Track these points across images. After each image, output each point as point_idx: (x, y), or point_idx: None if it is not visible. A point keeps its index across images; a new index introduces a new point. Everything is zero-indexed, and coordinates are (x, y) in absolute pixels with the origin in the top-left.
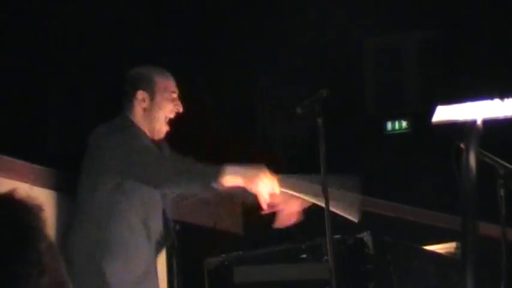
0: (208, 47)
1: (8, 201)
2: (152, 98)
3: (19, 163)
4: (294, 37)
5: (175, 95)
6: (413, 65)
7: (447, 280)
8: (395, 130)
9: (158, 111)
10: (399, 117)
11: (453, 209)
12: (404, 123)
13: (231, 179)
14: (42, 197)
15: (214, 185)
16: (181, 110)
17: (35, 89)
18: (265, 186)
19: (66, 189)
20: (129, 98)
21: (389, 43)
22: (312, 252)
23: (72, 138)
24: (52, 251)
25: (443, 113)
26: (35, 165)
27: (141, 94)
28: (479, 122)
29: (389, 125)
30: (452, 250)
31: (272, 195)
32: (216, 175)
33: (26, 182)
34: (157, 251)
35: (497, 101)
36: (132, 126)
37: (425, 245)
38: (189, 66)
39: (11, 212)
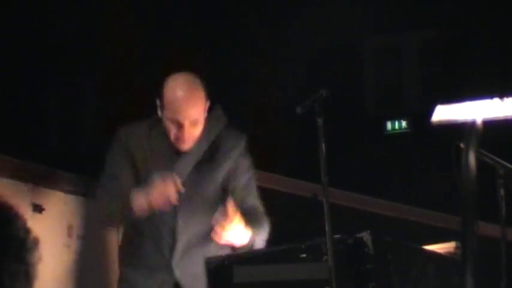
0: (206, 47)
1: None
2: (161, 111)
3: (19, 163)
4: (293, 37)
5: (179, 123)
6: (413, 65)
7: (447, 280)
8: (395, 130)
9: (164, 127)
10: (399, 117)
11: (453, 209)
12: (404, 123)
13: (139, 207)
14: (42, 197)
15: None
16: (184, 137)
17: (35, 88)
18: (161, 194)
19: (67, 189)
20: None
21: (389, 43)
22: (311, 252)
23: (72, 138)
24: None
25: (443, 113)
26: (35, 165)
27: (156, 102)
28: (479, 121)
29: (389, 125)
30: (452, 250)
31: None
32: (125, 208)
33: (26, 182)
34: None
35: (497, 100)
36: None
37: (425, 245)
38: (188, 67)
39: None
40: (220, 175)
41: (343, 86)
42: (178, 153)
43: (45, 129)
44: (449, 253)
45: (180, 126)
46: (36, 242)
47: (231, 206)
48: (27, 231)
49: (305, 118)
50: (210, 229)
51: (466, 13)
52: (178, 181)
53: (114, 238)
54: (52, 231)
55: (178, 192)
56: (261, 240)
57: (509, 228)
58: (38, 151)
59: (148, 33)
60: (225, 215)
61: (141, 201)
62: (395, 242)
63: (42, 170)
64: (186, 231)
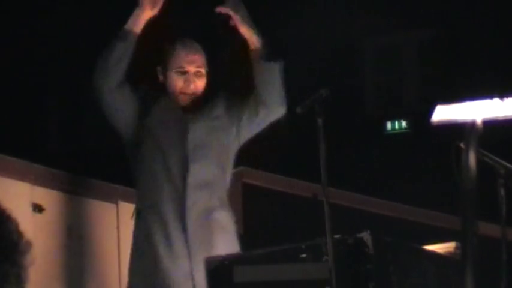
0: (206, 47)
1: None
2: (164, 73)
3: (19, 163)
4: (293, 37)
5: (184, 70)
6: (413, 65)
7: (447, 280)
8: (395, 130)
9: (169, 86)
10: (399, 117)
11: (453, 209)
12: (404, 123)
13: (136, 17)
14: (42, 197)
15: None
16: (189, 89)
17: (35, 89)
18: None
19: (67, 189)
20: None
21: (389, 43)
22: (312, 252)
23: (72, 138)
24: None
25: (443, 113)
26: (35, 165)
27: (158, 69)
28: (479, 121)
29: (389, 125)
30: (452, 250)
31: None
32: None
33: (26, 182)
34: None
35: (497, 100)
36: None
37: (425, 245)
38: None
39: None
40: (218, 109)
41: (343, 86)
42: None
43: (45, 129)
44: (449, 253)
45: (184, 73)
46: (29, 245)
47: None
48: (20, 234)
49: (305, 118)
50: (218, 175)
51: (466, 13)
52: None
53: (114, 238)
54: (52, 231)
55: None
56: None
57: (509, 228)
58: (38, 151)
59: (149, 32)
60: None
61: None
62: (395, 242)
63: (42, 170)
64: (197, 165)
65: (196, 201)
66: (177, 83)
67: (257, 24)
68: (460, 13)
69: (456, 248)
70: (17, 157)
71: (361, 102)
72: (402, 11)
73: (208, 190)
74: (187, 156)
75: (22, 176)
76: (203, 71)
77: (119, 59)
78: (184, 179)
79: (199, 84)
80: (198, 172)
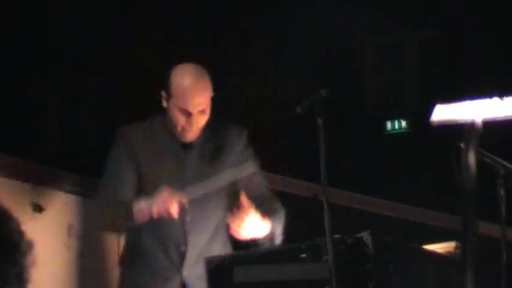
0: (207, 47)
1: None
2: (167, 100)
3: (19, 163)
4: (293, 37)
5: (188, 112)
6: (413, 65)
7: (447, 280)
8: (395, 130)
9: (171, 116)
10: (399, 117)
11: (453, 209)
12: (404, 123)
13: (140, 216)
14: (42, 197)
15: (129, 222)
16: (192, 128)
17: (35, 89)
18: (163, 204)
19: (67, 189)
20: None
21: (389, 43)
22: (312, 252)
23: (72, 138)
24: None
25: (443, 113)
26: (35, 165)
27: (162, 93)
28: (479, 121)
29: (389, 125)
30: (452, 250)
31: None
32: (127, 217)
33: (26, 182)
34: None
35: (496, 100)
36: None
37: (425, 245)
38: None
39: None
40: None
41: (343, 86)
42: (182, 147)
43: (45, 129)
44: (449, 253)
45: (188, 115)
46: (30, 245)
47: (244, 199)
48: (21, 233)
49: (305, 118)
50: (218, 229)
51: (466, 13)
52: (184, 199)
53: (114, 238)
54: (52, 231)
55: (182, 209)
56: (280, 227)
57: (509, 228)
58: (38, 151)
59: (149, 32)
60: (238, 209)
61: (142, 209)
62: (395, 242)
63: (42, 170)
64: (196, 237)
65: (193, 271)
66: (179, 119)
67: (257, 24)
68: (461, 13)
69: (456, 248)
70: (17, 157)
71: (361, 102)
72: (402, 11)
73: (207, 231)
74: (185, 228)
75: (22, 176)
76: (208, 108)
77: (120, 224)
78: (180, 253)
79: (202, 122)
80: (195, 245)
